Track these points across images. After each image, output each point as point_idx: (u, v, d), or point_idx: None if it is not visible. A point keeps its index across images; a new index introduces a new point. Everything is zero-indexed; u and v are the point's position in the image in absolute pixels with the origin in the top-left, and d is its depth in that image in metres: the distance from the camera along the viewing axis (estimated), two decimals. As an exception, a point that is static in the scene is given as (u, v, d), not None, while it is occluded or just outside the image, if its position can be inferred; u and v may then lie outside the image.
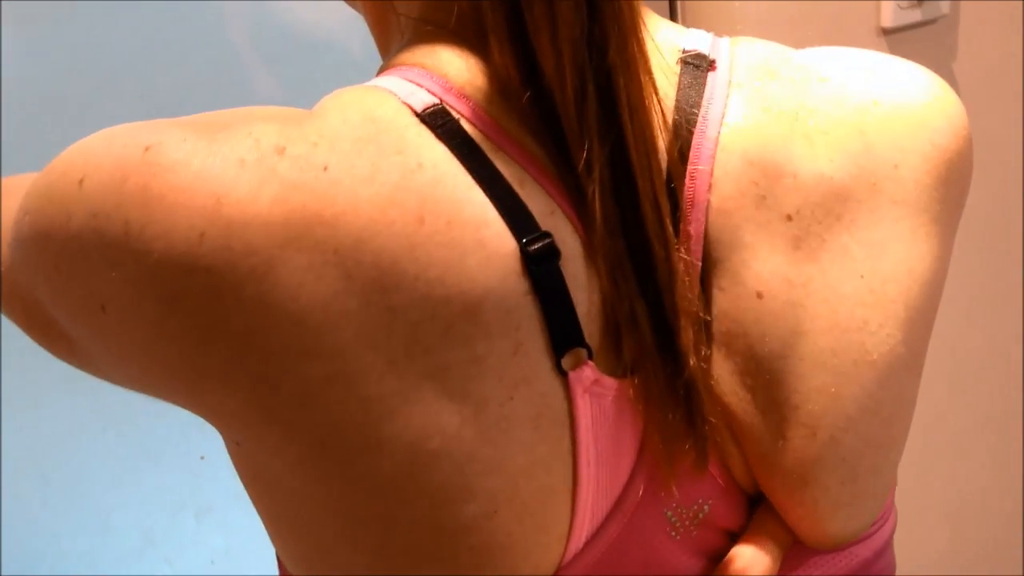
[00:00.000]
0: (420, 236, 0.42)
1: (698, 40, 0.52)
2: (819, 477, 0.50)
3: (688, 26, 1.13)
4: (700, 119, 0.49)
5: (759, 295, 0.49)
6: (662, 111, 0.48)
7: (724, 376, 0.50)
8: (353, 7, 0.58)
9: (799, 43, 1.16)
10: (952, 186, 0.53)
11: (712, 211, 0.49)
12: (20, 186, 0.47)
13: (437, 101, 0.45)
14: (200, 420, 0.48)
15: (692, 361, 0.47)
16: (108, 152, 0.41)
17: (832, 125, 0.51)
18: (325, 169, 0.41)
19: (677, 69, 0.51)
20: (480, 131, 0.45)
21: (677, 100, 0.49)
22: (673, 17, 1.14)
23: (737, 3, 1.12)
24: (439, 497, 0.43)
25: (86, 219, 0.40)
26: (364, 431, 0.42)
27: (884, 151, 0.51)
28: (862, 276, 0.49)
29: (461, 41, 0.48)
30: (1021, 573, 1.59)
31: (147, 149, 0.40)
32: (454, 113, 0.45)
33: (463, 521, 0.44)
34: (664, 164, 0.48)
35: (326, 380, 0.41)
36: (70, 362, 0.48)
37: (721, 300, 0.49)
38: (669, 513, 0.49)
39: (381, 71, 0.50)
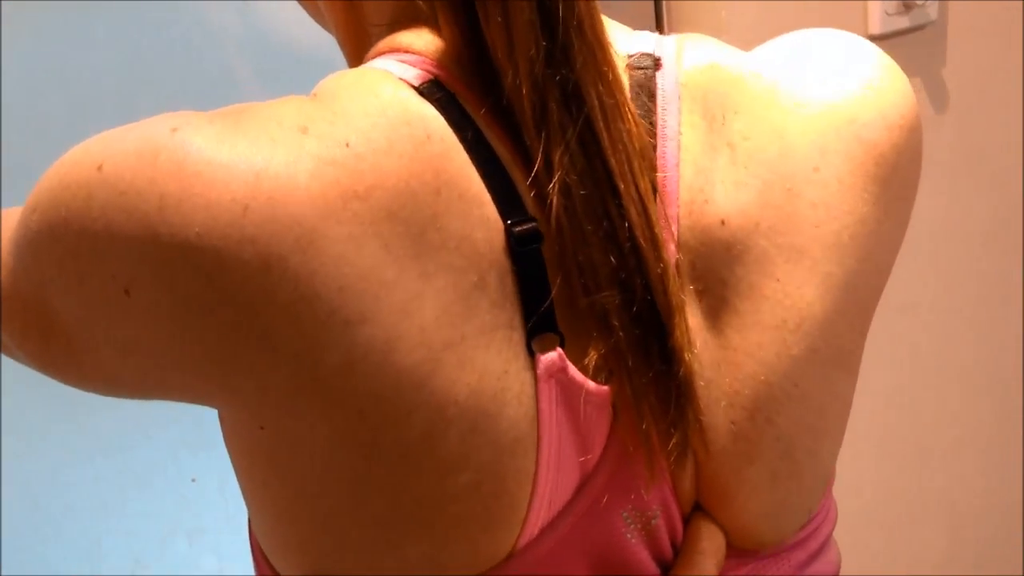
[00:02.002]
0: (439, 207, 0.43)
1: (644, 42, 0.52)
2: (762, 452, 0.51)
3: (675, 31, 1.14)
4: (659, 124, 0.50)
5: (722, 297, 0.51)
6: (635, 118, 0.48)
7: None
8: (321, 24, 0.59)
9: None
10: (888, 183, 0.52)
11: (681, 212, 0.50)
12: (13, 212, 0.47)
13: (431, 76, 0.46)
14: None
15: (687, 356, 0.48)
16: (127, 138, 0.42)
17: (753, 129, 0.51)
18: (347, 145, 0.42)
19: (627, 78, 0.51)
20: (471, 112, 0.46)
21: (635, 97, 0.50)
22: (659, 21, 1.14)
23: (724, 11, 1.12)
24: (442, 466, 0.44)
25: (112, 198, 0.40)
26: (398, 400, 0.42)
27: (803, 154, 0.51)
28: (778, 279, 0.50)
29: (424, 35, 0.49)
30: (1021, 574, 1.58)
31: (175, 130, 0.41)
32: (448, 88, 0.46)
33: (455, 490, 0.45)
34: (648, 167, 0.48)
35: (368, 348, 0.42)
36: (59, 370, 0.47)
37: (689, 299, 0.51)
38: (625, 514, 0.50)
39: (366, 60, 0.50)
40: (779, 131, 0.51)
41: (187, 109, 0.43)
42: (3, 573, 1.14)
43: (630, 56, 0.51)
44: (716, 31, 1.12)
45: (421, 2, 0.49)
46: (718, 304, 0.50)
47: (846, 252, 0.51)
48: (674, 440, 0.49)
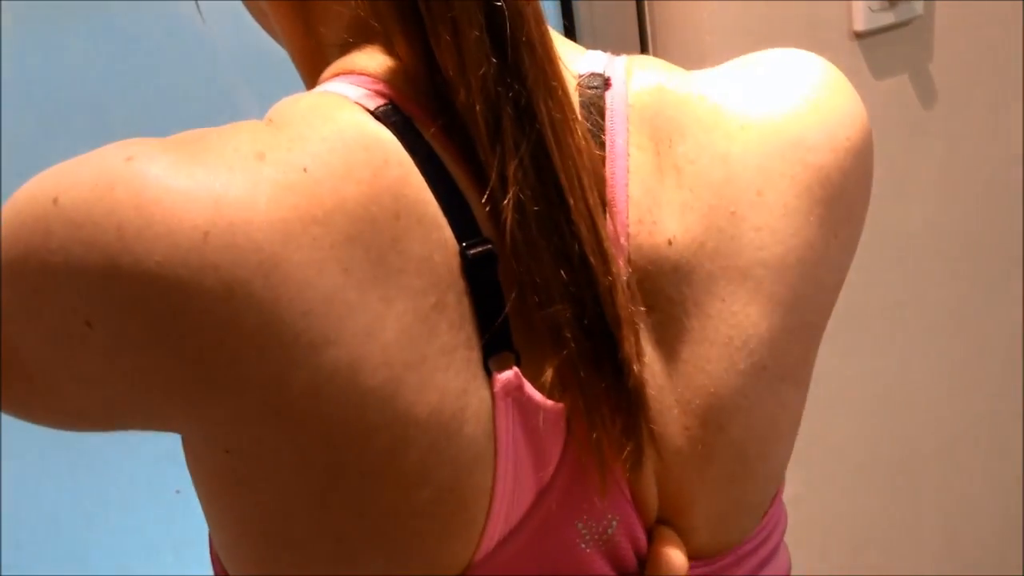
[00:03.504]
0: (399, 230, 0.43)
1: (594, 61, 0.53)
2: (719, 455, 0.52)
3: (658, 35, 1.14)
4: (608, 142, 0.50)
5: (668, 301, 0.52)
6: (584, 133, 0.49)
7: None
8: (272, 36, 0.59)
9: (770, 48, 1.16)
10: (833, 205, 0.52)
11: (630, 227, 0.51)
12: None
13: (387, 101, 0.46)
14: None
15: (636, 368, 0.48)
16: (82, 170, 0.41)
17: (699, 152, 0.51)
18: (305, 170, 0.42)
19: (576, 96, 0.51)
20: (427, 134, 0.46)
21: (585, 115, 0.51)
22: (641, 22, 1.13)
23: (707, 11, 1.11)
24: (403, 483, 0.45)
25: (70, 231, 0.40)
26: (362, 420, 0.43)
27: (747, 177, 0.51)
28: (723, 300, 0.51)
29: (378, 54, 0.49)
30: (1021, 574, 1.58)
31: (130, 159, 0.41)
32: (404, 111, 0.46)
33: (416, 506, 0.45)
34: (596, 182, 0.49)
35: (334, 370, 0.42)
36: (22, 408, 0.47)
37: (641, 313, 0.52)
38: (580, 525, 0.51)
39: (322, 81, 0.50)
40: (723, 155, 0.51)
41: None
42: (4, 549, 1.13)
43: (580, 75, 0.52)
44: (698, 31, 1.12)
45: (373, 22, 0.49)
46: (667, 320, 0.51)
47: (791, 273, 0.52)
48: (628, 449, 0.49)
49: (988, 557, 1.56)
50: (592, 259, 0.47)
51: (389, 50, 0.49)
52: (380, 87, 0.47)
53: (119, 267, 0.39)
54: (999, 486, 1.55)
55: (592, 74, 0.52)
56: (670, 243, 0.51)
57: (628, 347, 0.48)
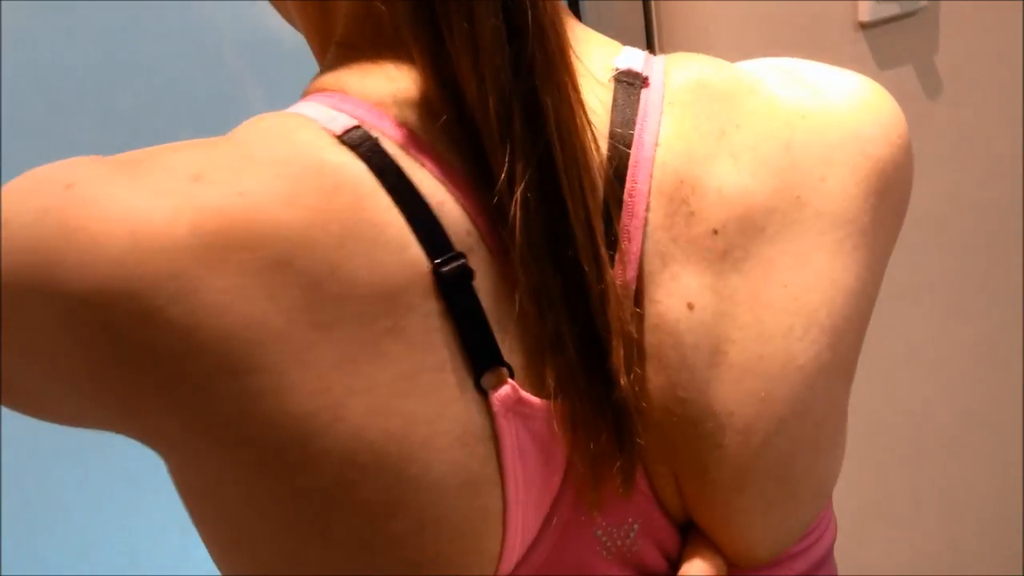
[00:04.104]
0: (342, 256, 0.43)
1: (631, 58, 0.52)
2: (755, 479, 0.51)
3: (664, 25, 1.14)
4: (636, 138, 0.49)
5: (690, 306, 0.49)
6: (593, 133, 0.48)
7: (656, 389, 0.50)
8: (289, 22, 0.59)
9: (776, 40, 1.16)
10: (886, 196, 0.53)
11: (648, 227, 0.49)
12: None
13: (356, 123, 0.46)
14: None
15: (623, 381, 0.47)
16: (30, 193, 0.42)
17: (759, 140, 0.51)
18: (241, 194, 0.42)
19: (611, 87, 0.51)
20: (401, 149, 0.46)
21: (612, 119, 0.50)
22: (648, 21, 1.13)
23: (712, 6, 1.11)
24: (368, 511, 0.44)
25: (13, 255, 0.41)
26: (297, 447, 0.43)
27: (810, 164, 0.52)
28: (785, 285, 0.50)
29: (384, 60, 0.49)
30: (1021, 573, 1.58)
31: (68, 186, 0.41)
32: (374, 132, 0.46)
33: (392, 536, 0.44)
34: (600, 184, 0.48)
35: (258, 396, 0.42)
36: (9, 405, 0.48)
37: (653, 313, 0.50)
38: (599, 532, 0.50)
39: (306, 94, 0.50)
40: (786, 142, 0.51)
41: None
42: (2, 572, 1.14)
43: (617, 70, 0.51)
44: (704, 25, 1.12)
45: (383, 7, 0.48)
46: (712, 319, 0.50)
47: (849, 260, 0.52)
48: (618, 464, 0.48)
49: (989, 547, 1.56)
50: (585, 265, 0.46)
51: (392, 47, 0.48)
52: (354, 108, 0.47)
53: (50, 295, 0.40)
54: (1000, 474, 1.55)
55: (631, 71, 0.51)
56: (715, 232, 0.50)
57: (616, 358, 0.47)
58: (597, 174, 0.48)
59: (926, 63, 1.29)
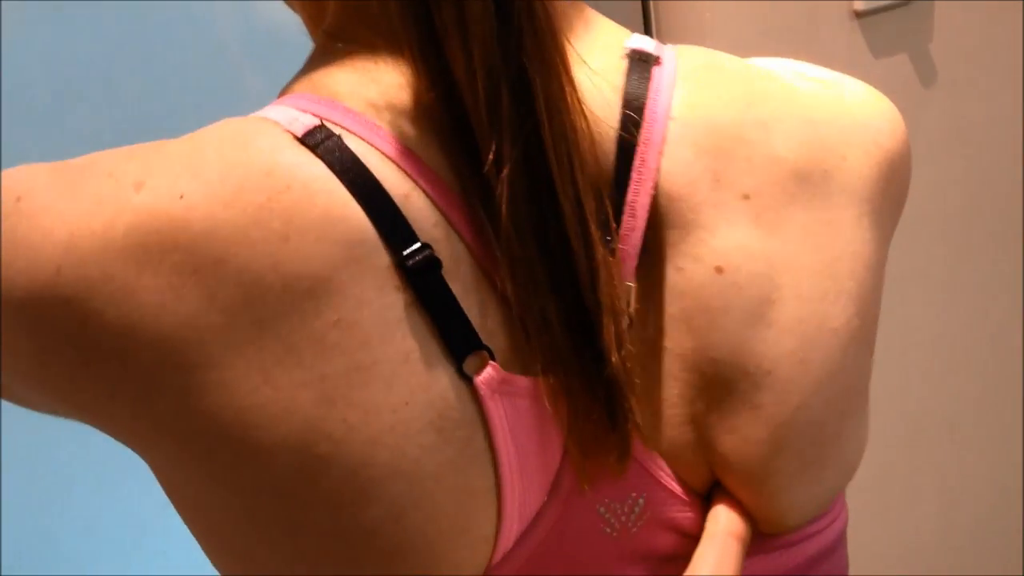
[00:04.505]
0: (285, 253, 0.43)
1: (643, 41, 0.53)
2: (792, 440, 0.51)
3: (663, 18, 1.15)
4: (648, 111, 0.50)
5: (718, 270, 0.50)
6: (586, 111, 0.48)
7: (687, 352, 0.51)
8: (289, 5, 0.59)
9: (772, 29, 1.17)
10: (892, 184, 0.55)
11: (664, 196, 0.50)
12: None
13: (318, 122, 0.46)
14: None
15: (614, 358, 0.48)
16: None
17: (785, 115, 0.52)
18: (181, 197, 0.43)
19: (624, 65, 0.52)
20: (368, 144, 0.46)
21: (625, 91, 0.51)
22: (647, 20, 1.14)
23: (708, 12, 1.12)
24: (335, 501, 0.45)
25: None
26: (247, 439, 0.44)
27: (833, 142, 0.53)
28: (819, 251, 0.51)
29: (361, 52, 0.49)
30: (1021, 572, 1.58)
31: (18, 199, 0.43)
32: (337, 129, 0.46)
33: (366, 525, 0.45)
34: (590, 161, 0.49)
35: (201, 391, 0.43)
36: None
37: (679, 280, 0.50)
38: (602, 509, 0.51)
39: (282, 93, 0.51)
40: (808, 119, 0.53)
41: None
42: (7, 550, 1.15)
43: (629, 49, 0.52)
44: (701, 19, 1.13)
45: None
46: (747, 281, 0.50)
47: (868, 235, 0.53)
48: (615, 438, 0.49)
49: (989, 545, 1.55)
50: (574, 242, 0.47)
51: (380, 34, 0.49)
52: (320, 107, 0.47)
53: (3, 301, 0.43)
54: (999, 471, 1.53)
55: (642, 50, 0.52)
56: (746, 197, 0.50)
57: (607, 335, 0.48)
58: (588, 151, 0.48)
59: (921, 52, 1.29)
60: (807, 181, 0.52)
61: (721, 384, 0.51)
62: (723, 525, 0.52)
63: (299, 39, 0.58)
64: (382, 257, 0.45)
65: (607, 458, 0.49)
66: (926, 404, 1.44)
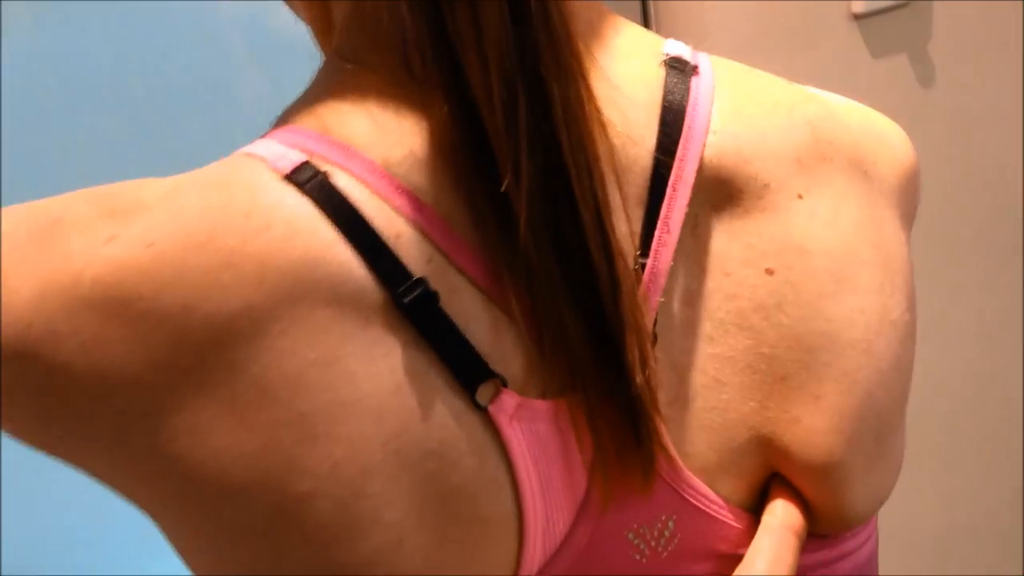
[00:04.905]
0: (259, 296, 0.43)
1: (679, 47, 0.53)
2: (856, 431, 0.51)
3: (659, 8, 1.15)
4: (686, 126, 0.50)
5: (769, 272, 0.50)
6: (601, 120, 0.47)
7: (740, 353, 0.50)
8: (295, 12, 0.59)
9: (771, 31, 1.18)
10: (909, 197, 0.56)
11: (698, 211, 0.50)
12: None
13: (305, 159, 0.46)
14: None
15: (639, 378, 0.47)
16: None
17: (821, 118, 0.53)
18: (150, 245, 0.43)
19: (661, 74, 0.51)
20: (358, 180, 0.46)
21: (663, 103, 0.50)
22: (646, 21, 1.15)
23: (708, 12, 1.13)
24: (325, 536, 0.45)
25: None
26: (224, 479, 0.44)
27: (868, 147, 0.54)
28: (875, 246, 0.52)
29: (369, 75, 0.48)
30: (1021, 572, 1.57)
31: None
32: (326, 166, 0.46)
33: (363, 556, 0.45)
34: (611, 174, 0.48)
35: (174, 435, 0.43)
36: None
37: (726, 284, 0.50)
38: (631, 535, 0.50)
39: (277, 123, 0.50)
40: (844, 124, 0.54)
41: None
42: (13, 542, 1.14)
43: (669, 56, 0.52)
44: (701, 20, 1.14)
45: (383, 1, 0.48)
46: (802, 277, 0.50)
47: (903, 236, 0.54)
48: (639, 458, 0.48)
49: (986, 539, 1.55)
50: (594, 256, 0.46)
51: (390, 54, 0.48)
52: (309, 140, 0.47)
53: None
54: (998, 468, 1.53)
55: (680, 58, 0.52)
56: (800, 197, 0.50)
57: (631, 354, 0.47)
58: (612, 163, 0.48)
59: (920, 53, 1.30)
60: (856, 179, 0.52)
61: (778, 378, 0.50)
62: (780, 518, 0.51)
63: (306, 42, 0.58)
64: (370, 295, 0.45)
65: (632, 477, 0.48)
66: (925, 404, 1.44)
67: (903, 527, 1.48)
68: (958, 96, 1.33)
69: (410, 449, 0.45)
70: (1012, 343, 1.50)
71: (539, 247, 0.45)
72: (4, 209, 0.45)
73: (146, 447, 0.43)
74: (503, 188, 0.44)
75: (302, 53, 0.57)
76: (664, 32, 1.15)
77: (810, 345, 0.50)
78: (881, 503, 0.55)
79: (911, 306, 0.53)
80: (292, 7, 0.59)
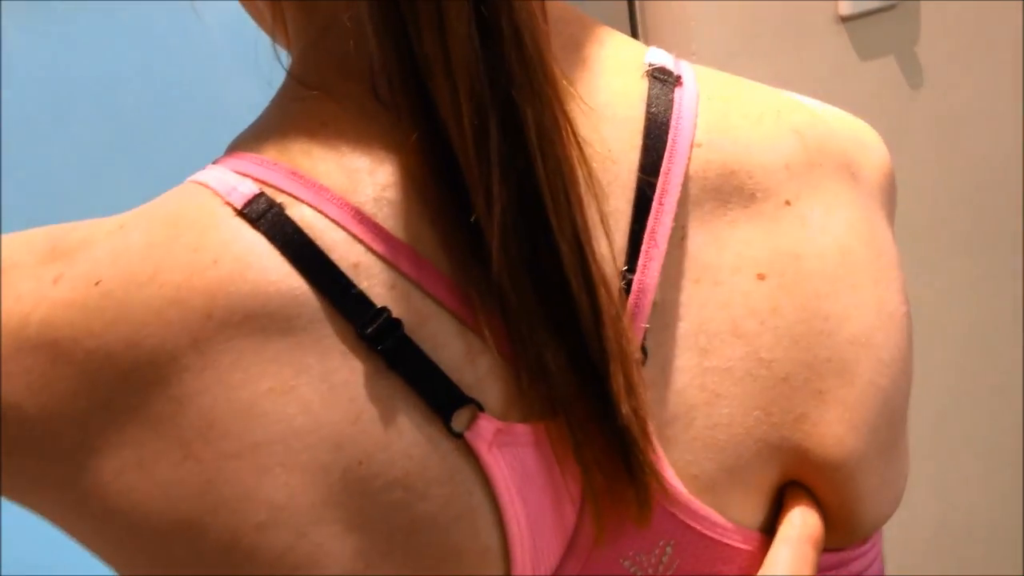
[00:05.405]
0: (207, 331, 0.43)
1: (662, 56, 0.52)
2: (867, 420, 0.51)
3: (649, 22, 1.15)
4: (670, 140, 0.49)
5: (760, 277, 0.50)
6: (578, 143, 0.46)
7: (737, 361, 0.49)
8: (266, 31, 0.58)
9: (757, 34, 1.18)
10: (890, 197, 0.56)
11: (692, 224, 0.49)
12: None
13: (258, 191, 0.45)
14: None
15: (625, 409, 0.46)
16: None
17: (807, 124, 0.53)
18: (97, 283, 0.43)
19: (643, 87, 0.51)
20: (315, 210, 0.45)
21: (647, 117, 0.50)
22: (632, 21, 1.15)
23: (691, 9, 1.13)
24: (282, 567, 0.44)
25: None
26: (169, 514, 0.44)
27: (853, 151, 0.54)
28: (868, 244, 0.52)
29: (330, 103, 0.48)
30: (1021, 572, 1.57)
31: None
32: (280, 197, 0.45)
33: None
34: (585, 198, 0.47)
35: (120, 470, 0.44)
36: None
37: (721, 293, 0.50)
38: (626, 562, 0.48)
39: (230, 148, 0.50)
40: (828, 129, 0.54)
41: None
42: (12, 545, 1.13)
43: (651, 66, 0.51)
44: (686, 18, 1.14)
45: (347, 22, 0.48)
46: (795, 280, 0.50)
47: (888, 231, 0.55)
48: (632, 491, 0.47)
49: (986, 539, 1.54)
50: (573, 284, 0.45)
51: (352, 77, 0.47)
52: (264, 171, 0.46)
53: None
54: (997, 468, 1.53)
55: (663, 68, 0.51)
56: (788, 204, 0.51)
57: (616, 384, 0.45)
58: (592, 185, 0.46)
59: (908, 54, 1.30)
60: (845, 182, 0.53)
61: (779, 380, 0.50)
62: (799, 529, 0.50)
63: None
64: (328, 326, 0.44)
65: (626, 509, 0.47)
66: (924, 405, 1.43)
67: (902, 527, 1.48)
68: (947, 97, 1.34)
69: (373, 478, 0.44)
70: (1007, 350, 1.50)
71: (513, 277, 0.44)
72: None
73: (94, 483, 0.44)
74: (474, 218, 0.44)
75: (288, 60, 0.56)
76: (651, 33, 1.16)
77: (808, 344, 0.50)
78: (889, 512, 0.54)
79: (905, 299, 0.54)
80: (265, 29, 0.58)
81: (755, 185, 0.50)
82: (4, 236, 0.46)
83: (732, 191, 0.50)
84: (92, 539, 0.46)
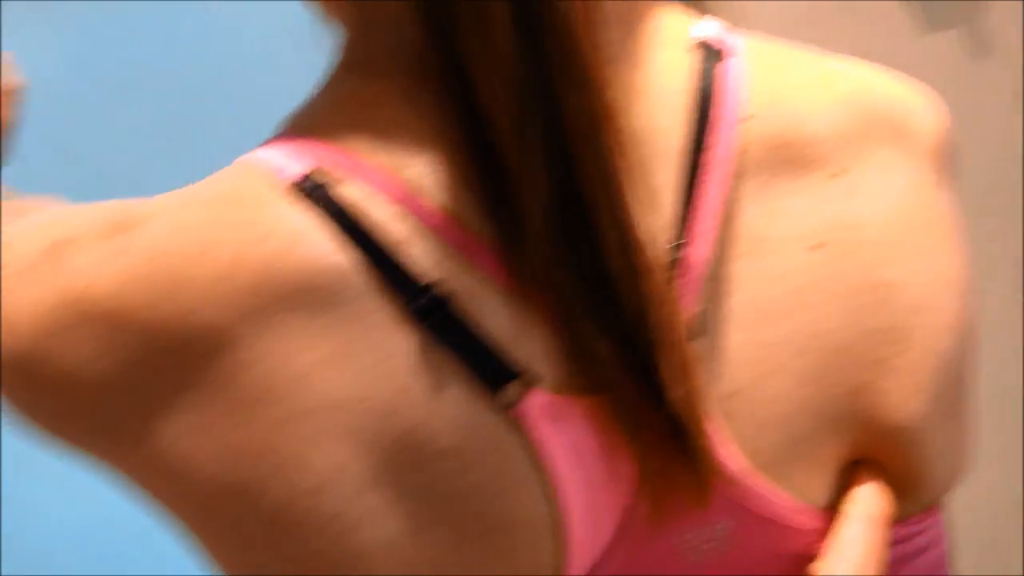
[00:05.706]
0: (256, 305, 0.45)
1: (712, 30, 0.53)
2: (929, 385, 0.51)
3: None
4: (716, 111, 0.49)
5: (814, 248, 0.50)
6: (621, 127, 0.46)
7: (796, 333, 0.50)
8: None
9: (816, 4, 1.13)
10: (949, 159, 0.56)
11: (742, 199, 0.50)
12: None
13: (308, 170, 0.47)
14: None
15: (676, 395, 0.46)
16: None
17: (862, 92, 0.54)
18: (152, 259, 0.46)
19: (689, 61, 0.51)
20: (367, 186, 0.46)
21: (697, 87, 0.50)
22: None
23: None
24: (337, 527, 0.46)
25: None
26: (226, 477, 0.46)
27: (907, 119, 0.54)
28: (921, 210, 0.52)
29: (376, 87, 0.49)
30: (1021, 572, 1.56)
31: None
32: (331, 174, 0.47)
33: (373, 547, 0.46)
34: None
35: (177, 436, 0.46)
36: None
37: (774, 265, 0.50)
38: (683, 540, 0.49)
39: (282, 128, 0.51)
40: (883, 96, 0.54)
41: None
42: (13, 543, 1.14)
43: (700, 38, 0.52)
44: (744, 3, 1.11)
45: (393, 11, 0.49)
46: (854, 248, 0.51)
47: (949, 198, 0.55)
48: (690, 475, 0.47)
49: (986, 539, 1.51)
50: (623, 275, 0.45)
51: (398, 66, 0.49)
52: (316, 149, 0.47)
53: None
54: (998, 468, 1.52)
55: (712, 40, 0.52)
56: (835, 175, 0.51)
57: (666, 370, 0.46)
58: (636, 169, 0.46)
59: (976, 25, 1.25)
60: (899, 149, 0.53)
61: (835, 351, 0.50)
62: (868, 507, 0.50)
63: (322, 41, 0.57)
64: (374, 300, 0.46)
65: (683, 492, 0.48)
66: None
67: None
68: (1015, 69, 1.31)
69: (422, 447, 0.46)
70: (1011, 342, 1.51)
71: (556, 262, 0.45)
72: (16, 227, 0.49)
73: (156, 447, 0.46)
74: (519, 204, 0.45)
75: (317, 54, 0.57)
76: (706, 7, 1.12)
77: (865, 314, 0.50)
78: (962, 468, 0.55)
79: (966, 262, 0.54)
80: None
81: (807, 156, 0.51)
82: (66, 209, 0.49)
83: (783, 162, 0.50)
84: (161, 496, 0.48)
